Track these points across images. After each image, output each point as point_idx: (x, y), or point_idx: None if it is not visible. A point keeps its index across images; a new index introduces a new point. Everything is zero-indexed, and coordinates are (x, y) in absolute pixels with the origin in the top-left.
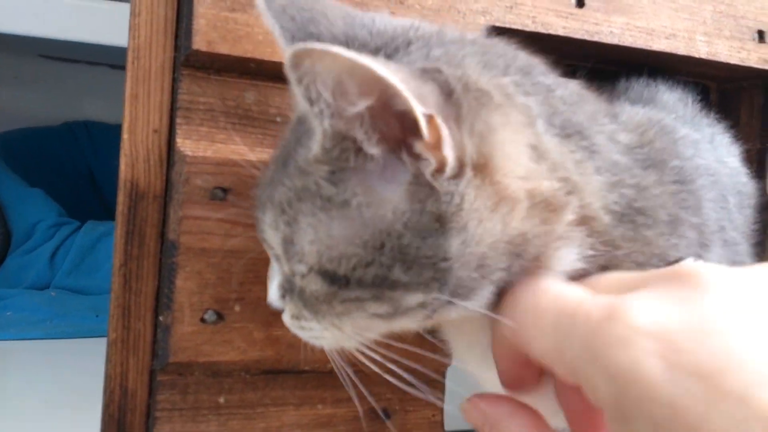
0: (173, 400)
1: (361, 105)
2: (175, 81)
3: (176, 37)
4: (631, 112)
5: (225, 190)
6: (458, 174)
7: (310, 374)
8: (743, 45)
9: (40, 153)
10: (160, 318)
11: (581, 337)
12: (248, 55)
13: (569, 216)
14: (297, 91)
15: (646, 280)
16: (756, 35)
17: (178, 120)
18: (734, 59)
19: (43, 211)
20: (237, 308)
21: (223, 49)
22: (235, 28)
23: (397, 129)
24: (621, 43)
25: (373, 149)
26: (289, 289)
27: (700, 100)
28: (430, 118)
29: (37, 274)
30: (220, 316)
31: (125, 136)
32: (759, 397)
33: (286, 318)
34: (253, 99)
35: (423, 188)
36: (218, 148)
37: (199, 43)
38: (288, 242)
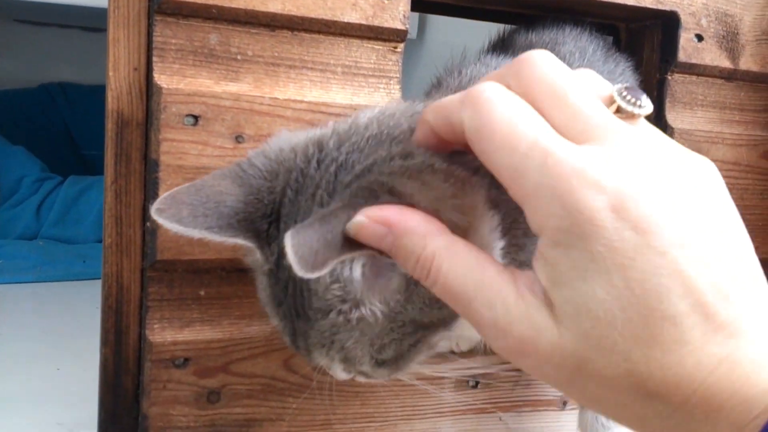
0: (161, 292)
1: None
2: (150, 26)
3: None
4: None
5: (196, 117)
6: None
7: None
8: None
9: (20, 113)
10: (147, 224)
11: (543, 170)
12: (210, 2)
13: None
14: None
15: (606, 132)
16: None
17: (154, 59)
18: (631, 1)
19: (26, 167)
20: None
21: None
22: None
23: None
24: None
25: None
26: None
27: (613, 42)
28: None
29: (25, 226)
30: None
31: (110, 73)
32: (671, 253)
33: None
34: (216, 40)
35: None
36: (189, 82)
37: None
38: (346, 360)
